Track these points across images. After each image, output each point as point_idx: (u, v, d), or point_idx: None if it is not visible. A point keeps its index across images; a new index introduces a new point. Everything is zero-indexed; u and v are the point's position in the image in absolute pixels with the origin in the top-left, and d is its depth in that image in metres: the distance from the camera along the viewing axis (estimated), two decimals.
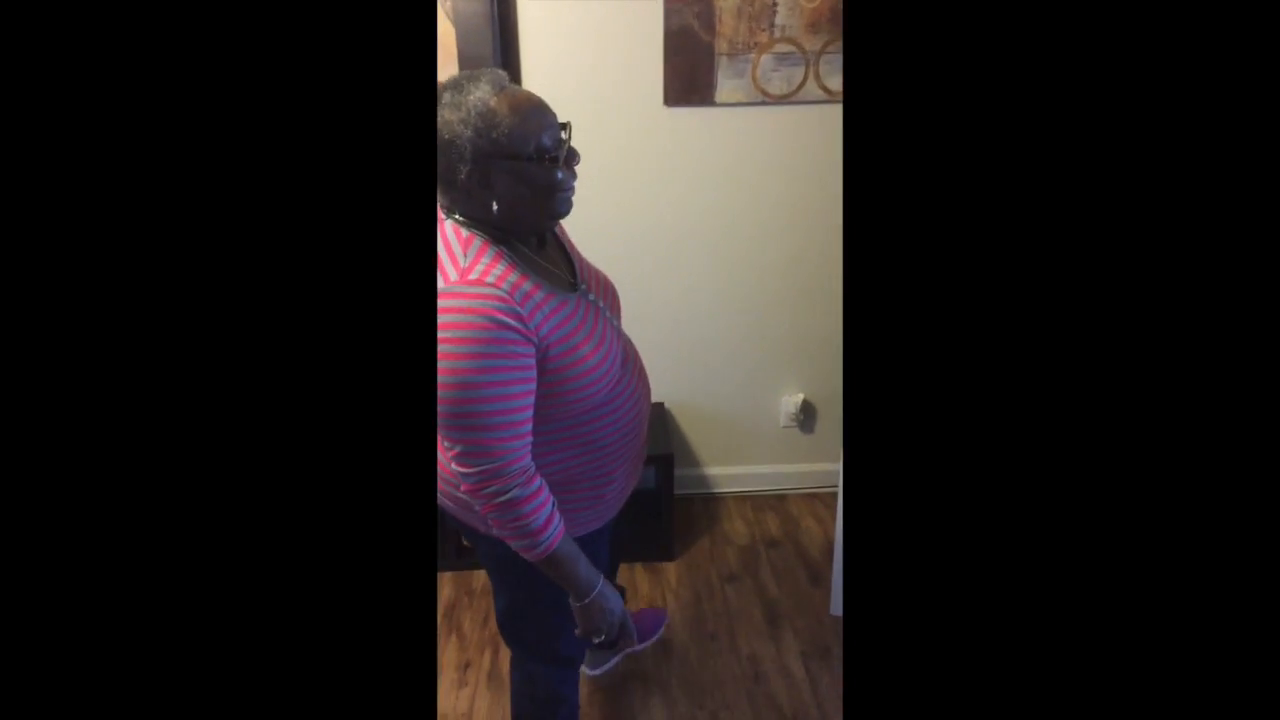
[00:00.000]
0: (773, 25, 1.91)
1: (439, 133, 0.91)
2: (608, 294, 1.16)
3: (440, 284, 0.93)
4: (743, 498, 2.36)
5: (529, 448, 0.96)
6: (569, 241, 1.18)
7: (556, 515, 1.00)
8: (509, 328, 0.90)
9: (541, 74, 1.91)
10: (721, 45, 1.92)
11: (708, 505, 2.34)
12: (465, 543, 2.03)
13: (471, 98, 0.91)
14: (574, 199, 1.01)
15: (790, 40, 1.93)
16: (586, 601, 1.05)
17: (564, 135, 0.96)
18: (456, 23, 1.86)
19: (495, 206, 0.95)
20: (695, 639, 1.86)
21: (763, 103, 1.97)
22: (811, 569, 2.07)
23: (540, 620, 1.21)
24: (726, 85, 1.95)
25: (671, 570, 2.08)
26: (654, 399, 2.23)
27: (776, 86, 1.97)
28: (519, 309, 0.91)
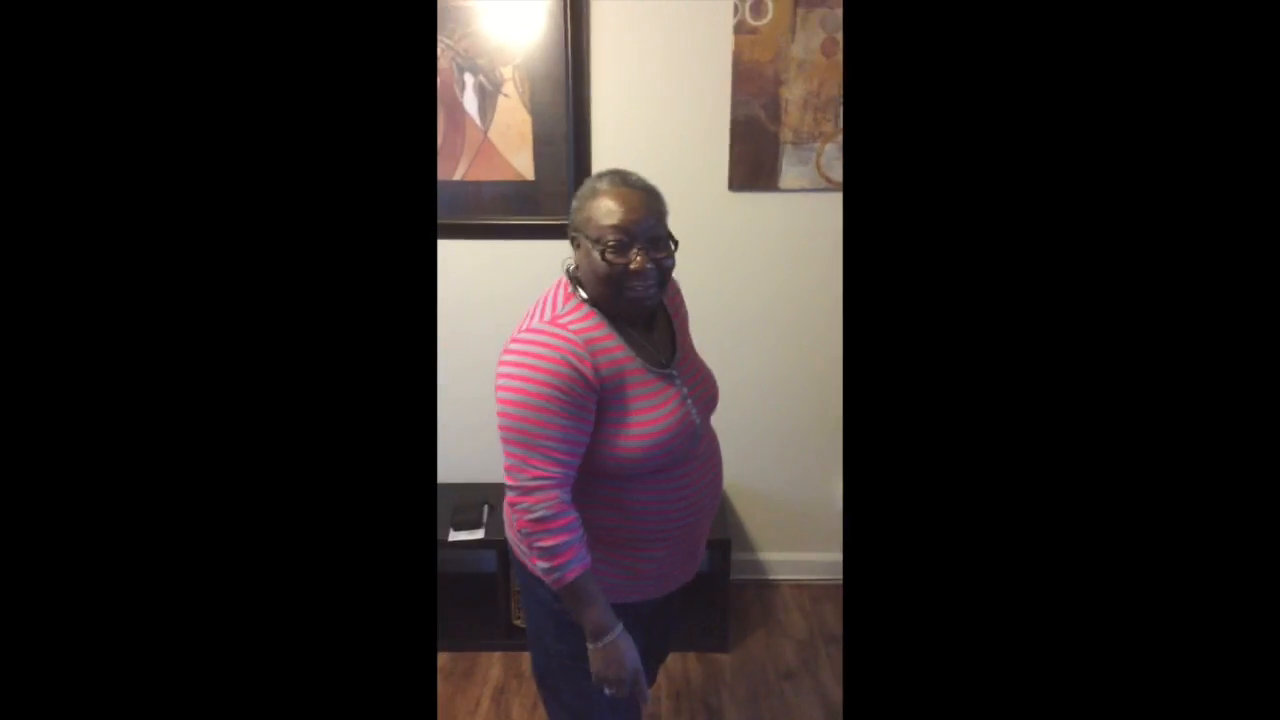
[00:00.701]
0: (837, 115, 1.96)
1: (572, 202, 1.11)
2: (700, 385, 1.21)
3: (532, 323, 1.10)
4: (799, 586, 2.27)
5: (568, 480, 1.06)
6: (685, 337, 1.25)
7: (582, 549, 1.06)
8: (576, 369, 1.04)
9: (612, 159, 1.98)
10: (786, 134, 1.97)
11: (762, 592, 2.25)
12: (515, 619, 1.98)
13: (592, 183, 1.10)
14: (649, 305, 1.10)
15: None
16: (601, 644, 1.09)
17: (647, 244, 1.06)
18: (533, 111, 1.95)
19: (577, 269, 1.12)
20: None
21: (826, 189, 2.00)
22: None
23: (574, 679, 1.22)
24: (790, 172, 1.99)
25: (726, 663, 1.99)
26: None
27: (839, 173, 2.00)
28: (590, 359, 1.05)
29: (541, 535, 1.05)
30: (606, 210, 1.06)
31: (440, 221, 1.95)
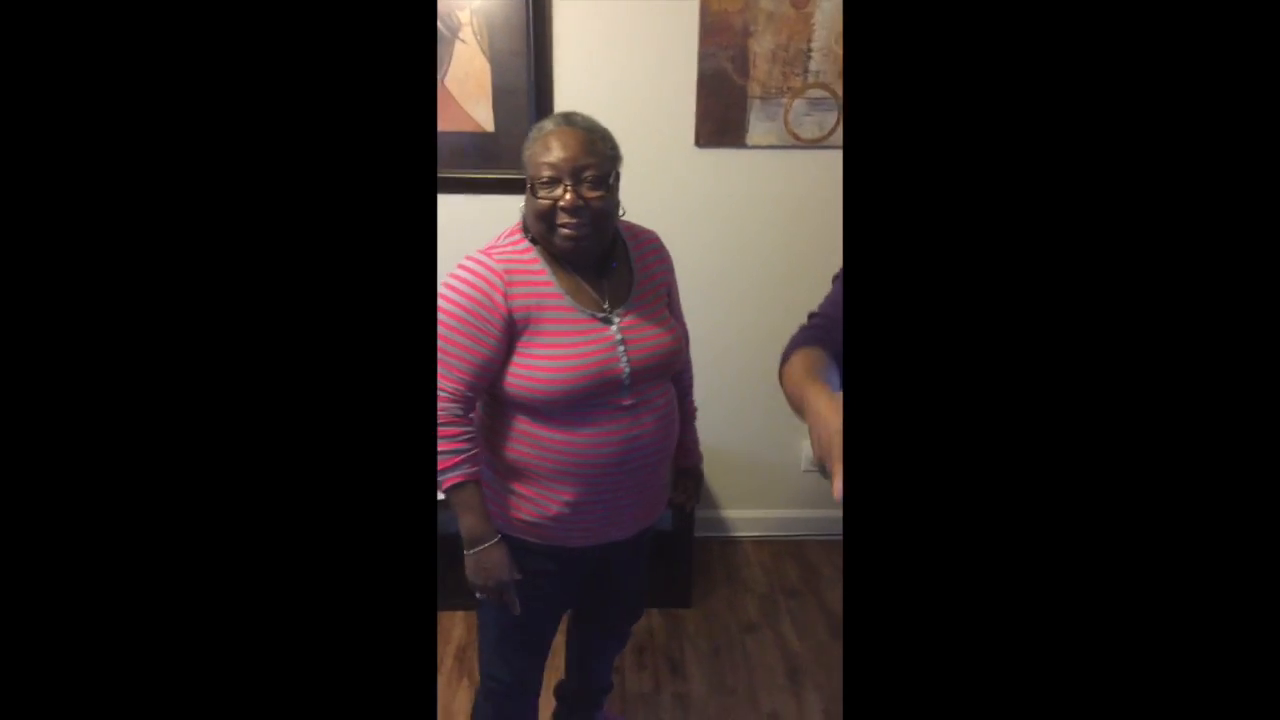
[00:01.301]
0: (806, 70, 1.92)
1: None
2: (647, 340, 1.17)
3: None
4: (761, 542, 2.31)
5: (464, 399, 1.12)
6: (650, 285, 1.22)
7: (465, 460, 1.12)
8: (482, 292, 1.09)
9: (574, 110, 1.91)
10: (754, 89, 1.92)
11: (725, 549, 2.29)
12: None
13: (542, 122, 1.13)
14: (580, 245, 1.10)
15: (823, 85, 1.93)
16: (473, 551, 1.15)
17: (575, 183, 1.07)
18: (492, 59, 1.87)
19: (523, 207, 1.14)
20: (714, 692, 1.80)
21: (794, 146, 1.97)
22: (832, 621, 2.01)
23: (490, 637, 1.32)
24: (759, 128, 1.95)
25: (689, 618, 2.02)
26: None
27: (808, 131, 1.97)
28: (502, 285, 1.09)
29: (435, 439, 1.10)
30: (544, 148, 1.08)
31: None
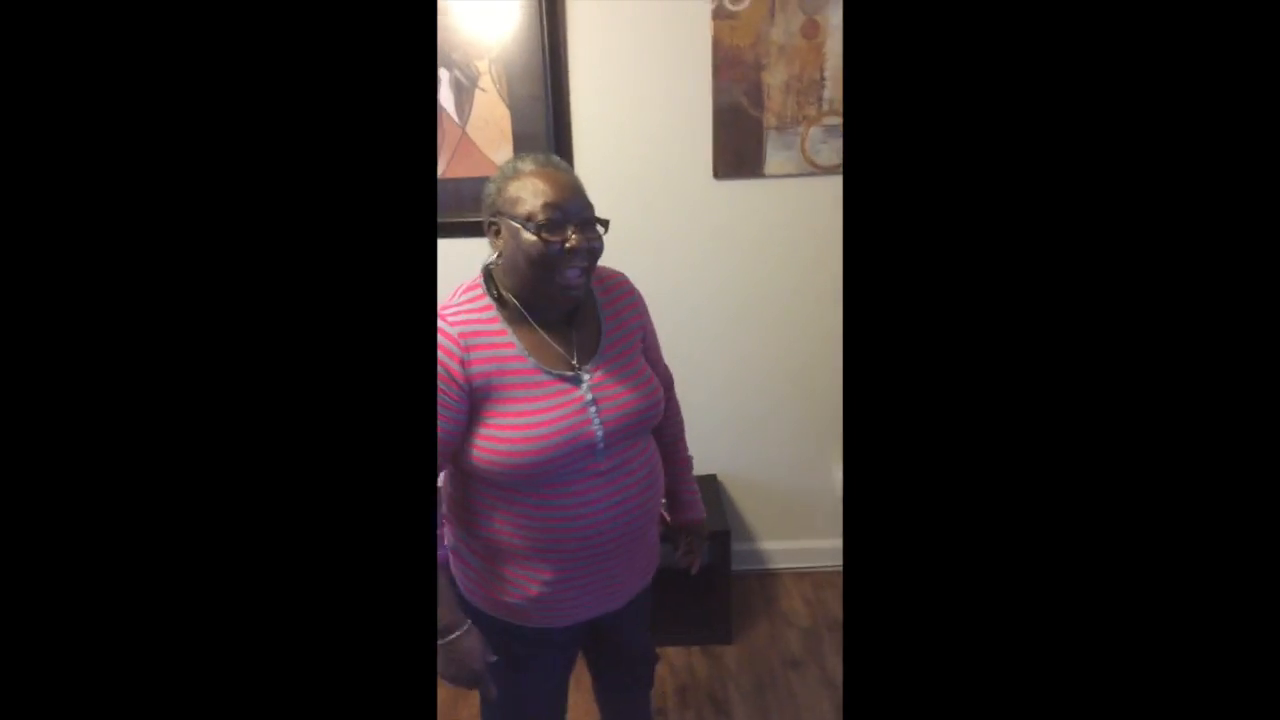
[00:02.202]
0: (820, 99, 1.94)
1: (485, 188, 1.07)
2: (620, 396, 1.08)
3: None
4: (801, 574, 2.26)
5: None
6: (619, 335, 1.13)
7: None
8: (440, 364, 1.01)
9: (592, 151, 1.95)
10: (770, 120, 1.94)
11: (764, 583, 2.24)
12: None
13: (513, 164, 1.05)
14: (572, 289, 1.03)
15: (838, 113, 1.94)
16: (442, 643, 1.06)
17: (579, 226, 1.01)
18: (511, 105, 1.91)
19: (499, 258, 1.06)
20: None
21: (812, 174, 1.98)
22: None
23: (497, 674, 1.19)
24: (776, 158, 1.97)
25: (730, 654, 1.98)
26: (708, 470, 2.17)
27: (826, 157, 1.98)
28: (459, 352, 1.01)
29: None
30: (537, 189, 1.01)
31: None
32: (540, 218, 1.00)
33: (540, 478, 1.02)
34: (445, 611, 1.05)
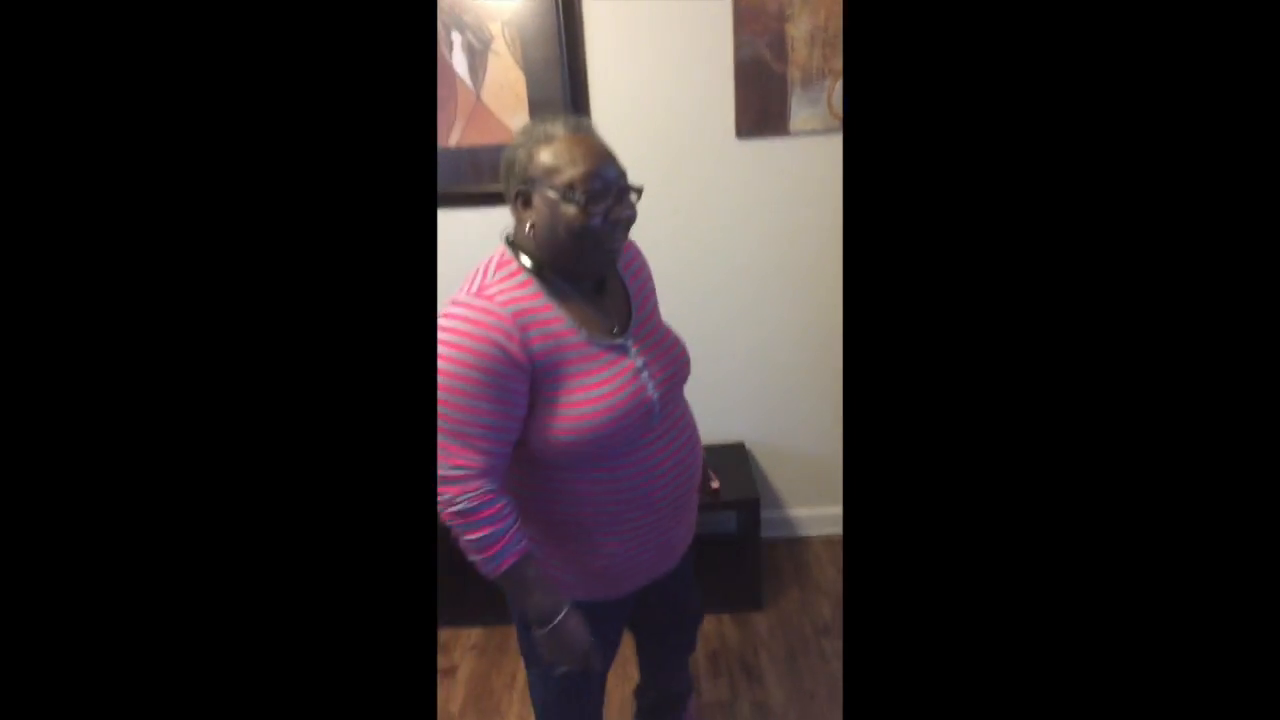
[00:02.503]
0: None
1: (508, 153, 1.00)
2: (662, 356, 1.09)
3: (458, 295, 1.00)
4: (831, 540, 2.24)
5: (494, 469, 0.99)
6: (643, 296, 1.14)
7: (513, 537, 1.00)
8: (500, 348, 0.95)
9: (611, 113, 1.89)
10: (794, 74, 1.86)
11: (794, 549, 2.22)
12: None
13: (542, 128, 0.99)
14: (615, 257, 1.03)
15: None
16: (546, 631, 1.04)
17: (618, 192, 0.98)
18: (526, 69, 1.86)
19: (530, 230, 1.00)
20: (794, 698, 1.74)
21: (839, 130, 1.90)
22: None
23: (536, 663, 1.19)
24: (801, 114, 1.89)
25: (761, 621, 1.97)
26: (735, 438, 2.14)
27: None
28: (518, 333, 0.96)
29: (467, 529, 0.98)
30: (574, 157, 0.95)
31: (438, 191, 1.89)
32: (581, 188, 0.95)
33: (606, 450, 1.01)
34: (544, 597, 1.03)
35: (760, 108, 1.89)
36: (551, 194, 0.96)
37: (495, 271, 1.01)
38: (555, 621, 1.03)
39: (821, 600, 2.03)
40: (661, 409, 1.05)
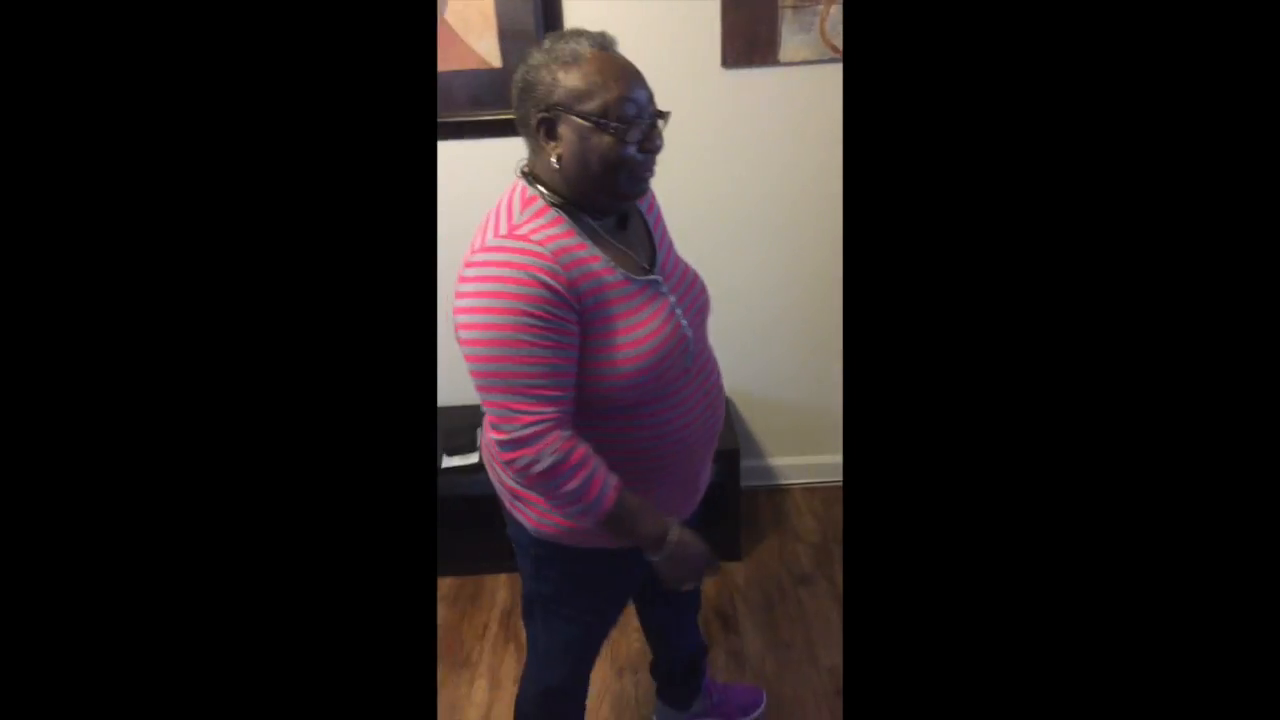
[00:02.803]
0: None
1: (523, 75, 0.90)
2: (689, 291, 1.05)
3: (486, 238, 0.90)
4: (811, 489, 2.21)
5: (568, 414, 0.91)
6: (661, 231, 1.08)
7: (604, 474, 0.93)
8: (549, 288, 0.86)
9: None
10: None
11: (773, 499, 2.20)
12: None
13: (566, 45, 0.88)
14: (642, 187, 0.95)
15: None
16: (663, 555, 0.99)
17: (651, 118, 0.91)
18: None
19: (557, 162, 0.91)
20: (770, 648, 1.73)
21: (833, 60, 1.78)
22: None
23: (549, 619, 1.16)
24: (791, 42, 1.76)
25: (739, 571, 1.95)
26: None
27: None
28: (562, 272, 0.88)
29: (558, 482, 0.90)
30: (607, 79, 0.86)
31: None
32: (616, 113, 0.86)
33: (647, 393, 0.95)
34: (652, 520, 0.97)
35: (747, 35, 1.75)
36: (582, 121, 0.87)
37: (521, 209, 0.92)
38: (671, 542, 0.98)
39: (800, 549, 2.01)
40: (695, 344, 1.01)
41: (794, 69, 1.78)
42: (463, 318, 0.89)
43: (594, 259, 0.92)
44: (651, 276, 0.98)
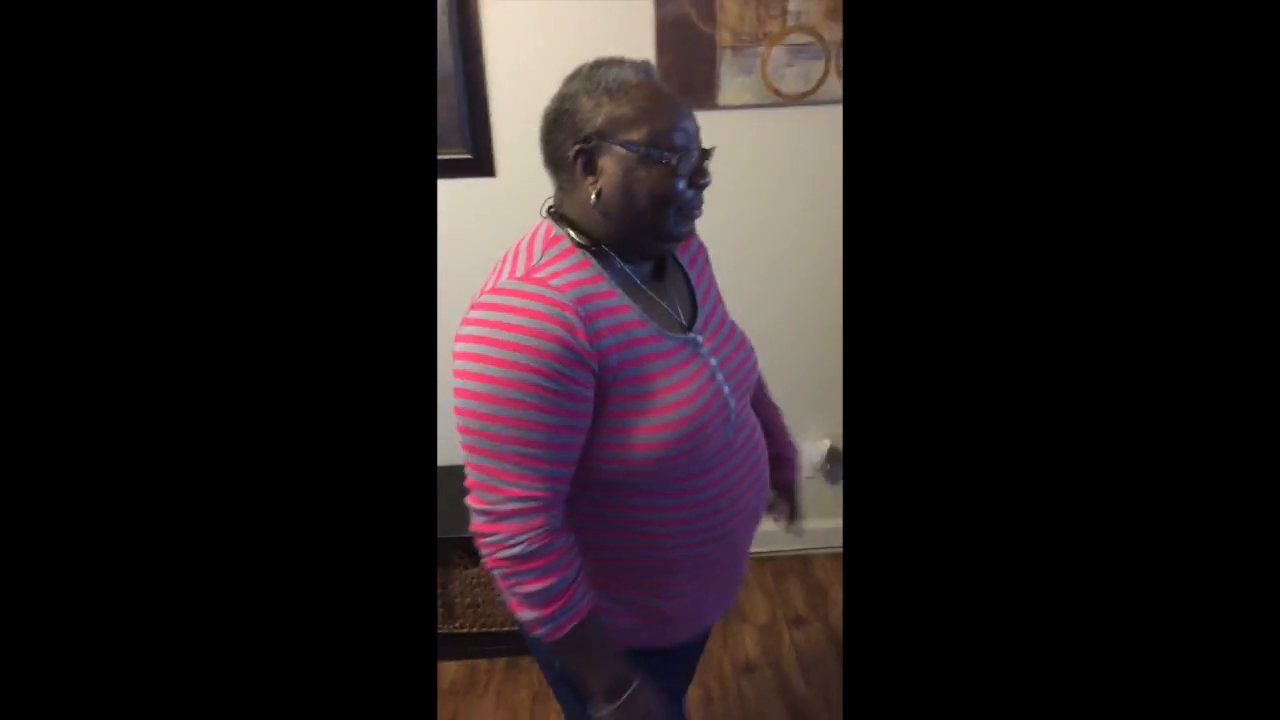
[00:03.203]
0: (785, 12, 1.61)
1: (557, 105, 0.81)
2: (734, 354, 0.91)
3: (499, 279, 0.79)
4: (761, 560, 2.05)
5: (559, 498, 0.79)
6: (706, 284, 0.96)
7: (579, 590, 0.80)
8: (564, 343, 0.74)
9: (511, 80, 1.62)
10: (724, 37, 1.62)
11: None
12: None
13: (608, 73, 0.80)
14: (691, 228, 0.85)
15: (806, 29, 1.63)
16: (616, 706, 0.82)
17: (699, 151, 0.82)
18: None
19: (595, 196, 0.80)
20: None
21: (775, 104, 1.67)
22: (842, 655, 1.75)
23: (567, 699, 0.98)
24: (731, 84, 1.65)
25: None
26: None
27: (791, 84, 1.66)
28: (582, 325, 0.76)
29: (523, 578, 0.77)
30: (658, 107, 0.78)
31: None
32: (667, 143, 0.78)
33: (683, 468, 0.82)
34: (614, 663, 0.83)
35: (685, 76, 1.64)
36: (626, 151, 0.78)
37: (543, 250, 0.81)
38: (629, 691, 0.82)
39: (746, 632, 1.84)
40: (738, 415, 0.88)
41: (733, 112, 1.67)
42: (461, 364, 0.76)
43: (624, 309, 0.80)
44: (691, 335, 0.86)
